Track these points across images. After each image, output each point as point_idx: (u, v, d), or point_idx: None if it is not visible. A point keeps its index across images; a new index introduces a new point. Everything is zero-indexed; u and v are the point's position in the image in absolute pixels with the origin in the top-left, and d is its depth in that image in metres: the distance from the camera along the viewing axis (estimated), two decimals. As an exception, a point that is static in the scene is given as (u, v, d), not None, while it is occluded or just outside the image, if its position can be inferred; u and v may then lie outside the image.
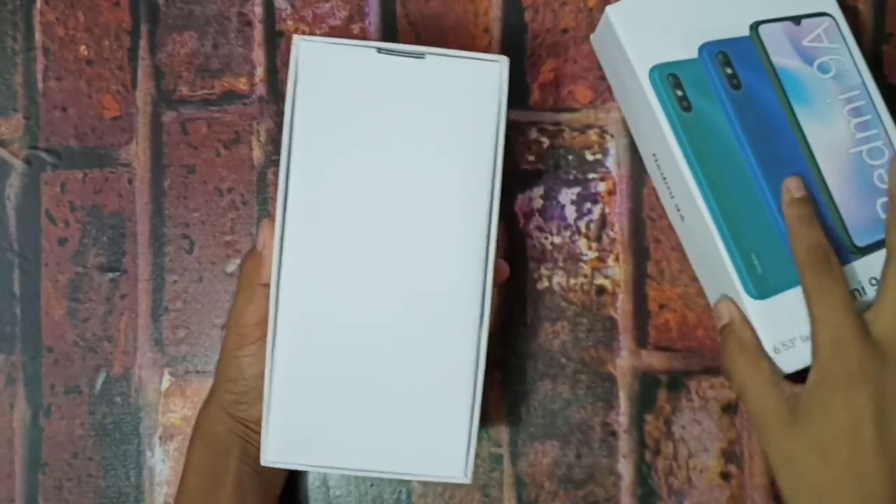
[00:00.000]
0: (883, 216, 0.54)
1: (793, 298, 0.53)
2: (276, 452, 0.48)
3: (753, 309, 0.53)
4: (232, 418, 0.56)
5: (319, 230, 0.48)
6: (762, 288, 0.53)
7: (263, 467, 0.49)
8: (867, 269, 0.54)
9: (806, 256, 0.52)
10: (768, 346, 0.53)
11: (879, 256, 0.53)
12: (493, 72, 0.48)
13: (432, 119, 0.49)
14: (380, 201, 0.48)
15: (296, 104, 0.48)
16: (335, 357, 0.49)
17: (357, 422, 0.49)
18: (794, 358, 0.53)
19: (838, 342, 0.50)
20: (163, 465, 0.62)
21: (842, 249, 0.54)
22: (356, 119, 0.49)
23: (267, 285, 0.49)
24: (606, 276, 0.62)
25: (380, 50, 0.48)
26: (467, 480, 0.48)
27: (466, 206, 0.48)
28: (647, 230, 0.62)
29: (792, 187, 0.53)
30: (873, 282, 0.54)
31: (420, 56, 0.48)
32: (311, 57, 0.48)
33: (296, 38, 0.48)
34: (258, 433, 0.54)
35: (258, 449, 0.51)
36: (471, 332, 0.48)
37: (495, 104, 0.49)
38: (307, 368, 0.48)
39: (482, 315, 0.48)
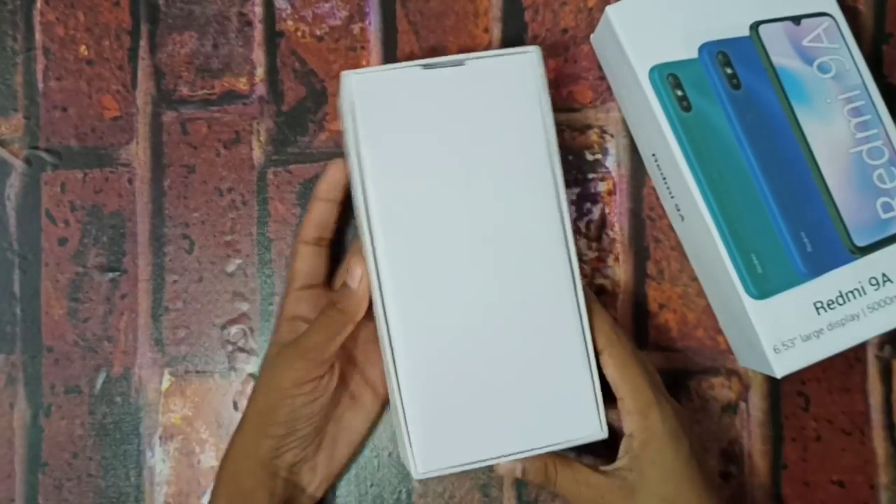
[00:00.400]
0: (883, 216, 0.55)
1: (792, 299, 0.53)
2: (425, 463, 0.51)
3: (753, 309, 0.53)
4: (264, 470, 0.55)
5: (410, 251, 0.51)
6: (762, 288, 0.53)
7: None
8: (867, 269, 0.54)
9: (608, 337, 0.53)
10: (768, 346, 0.53)
11: (879, 256, 0.54)
12: (528, 63, 0.52)
13: (484, 119, 0.52)
14: (457, 207, 0.51)
15: (359, 137, 0.51)
16: (453, 359, 0.51)
17: (489, 413, 0.51)
18: (793, 358, 0.53)
19: (652, 405, 0.53)
20: (163, 464, 0.62)
21: (842, 250, 0.54)
22: (418, 138, 0.51)
23: (345, 314, 0.53)
24: (606, 276, 0.62)
25: (425, 66, 0.51)
26: (604, 435, 0.52)
27: (534, 190, 0.52)
28: (646, 230, 0.62)
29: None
30: (873, 282, 0.54)
31: (460, 63, 0.52)
32: (363, 89, 0.51)
33: (345, 74, 0.51)
34: (287, 480, 0.56)
35: (284, 497, 0.56)
36: (567, 300, 0.52)
37: (535, 91, 0.52)
38: (430, 376, 0.51)
39: (574, 282, 0.52)
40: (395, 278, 0.51)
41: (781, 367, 0.53)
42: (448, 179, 0.51)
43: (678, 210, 0.58)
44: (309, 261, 0.59)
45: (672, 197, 0.58)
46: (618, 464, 0.54)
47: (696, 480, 0.53)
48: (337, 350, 0.54)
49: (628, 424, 0.53)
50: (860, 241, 0.54)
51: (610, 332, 0.53)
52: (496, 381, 0.51)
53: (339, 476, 0.61)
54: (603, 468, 0.54)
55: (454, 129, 0.51)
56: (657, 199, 0.62)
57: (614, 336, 0.53)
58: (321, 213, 0.58)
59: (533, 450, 0.51)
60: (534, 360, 0.52)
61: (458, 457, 0.51)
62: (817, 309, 0.53)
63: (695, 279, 0.61)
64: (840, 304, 0.53)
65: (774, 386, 0.61)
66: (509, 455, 0.51)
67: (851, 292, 0.53)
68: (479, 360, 0.51)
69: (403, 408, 0.51)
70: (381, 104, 0.51)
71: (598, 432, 0.52)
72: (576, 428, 0.52)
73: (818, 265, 0.54)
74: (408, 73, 0.51)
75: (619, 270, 0.62)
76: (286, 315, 0.59)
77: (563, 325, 0.52)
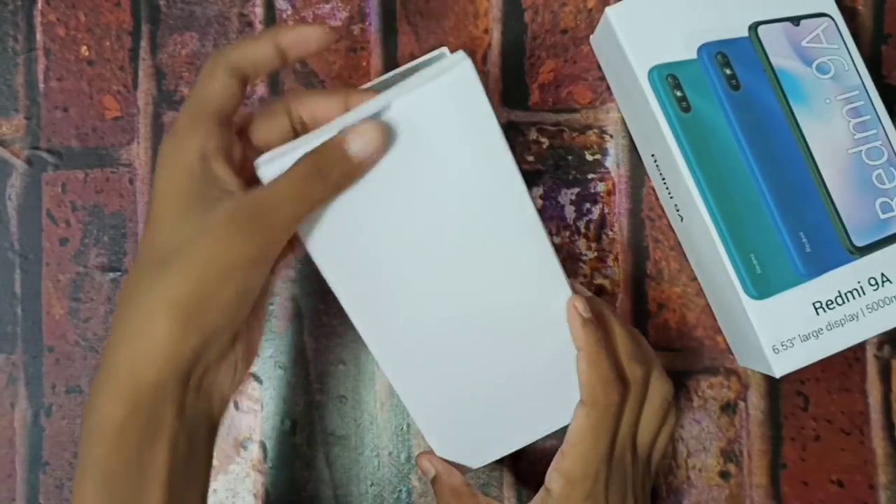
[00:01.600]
0: (882, 216, 0.55)
1: (791, 299, 0.53)
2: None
3: (752, 309, 0.53)
4: (176, 380, 0.42)
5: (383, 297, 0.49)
6: (761, 288, 0.53)
7: (202, 441, 0.44)
8: (866, 269, 0.54)
9: (602, 391, 0.49)
10: (767, 346, 0.53)
11: (878, 257, 0.54)
12: (462, 77, 0.44)
13: (435, 147, 0.45)
14: (428, 240, 0.47)
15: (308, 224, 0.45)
16: (444, 371, 0.51)
17: (491, 414, 0.53)
18: (792, 358, 0.53)
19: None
20: (163, 464, 0.62)
21: (841, 250, 0.54)
22: (372, 198, 0.46)
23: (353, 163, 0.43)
24: (606, 276, 0.62)
25: (341, 132, 0.43)
26: None
27: (502, 203, 0.47)
28: (646, 230, 0.62)
29: (580, 308, 0.50)
30: (872, 282, 0.54)
31: (387, 108, 0.43)
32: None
33: (257, 162, 0.43)
34: (202, 391, 0.44)
35: (195, 414, 0.44)
36: (554, 282, 0.50)
37: (481, 101, 0.44)
38: (426, 392, 0.52)
39: (556, 265, 0.49)
40: (369, 317, 0.49)
41: (780, 367, 0.53)
42: (412, 221, 0.47)
43: (677, 210, 0.58)
44: (230, 90, 0.45)
45: (671, 197, 0.58)
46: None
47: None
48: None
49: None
50: (859, 242, 0.54)
51: (586, 332, 0.49)
52: (492, 383, 0.52)
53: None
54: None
55: (405, 169, 0.45)
56: (657, 199, 0.62)
57: (591, 337, 0.50)
58: (265, 53, 0.46)
59: (544, 433, 0.54)
60: (524, 354, 0.51)
61: (476, 458, 0.55)
62: (816, 309, 0.54)
63: (694, 279, 0.61)
64: (839, 305, 0.54)
65: (773, 386, 0.61)
66: (524, 443, 0.54)
67: (850, 292, 0.54)
68: (472, 367, 0.51)
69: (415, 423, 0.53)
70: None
71: None
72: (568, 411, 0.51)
73: (817, 265, 0.54)
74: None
75: (619, 270, 0.62)
76: (198, 147, 0.43)
77: (545, 314, 0.50)
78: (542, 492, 0.51)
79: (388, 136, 0.43)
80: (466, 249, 0.48)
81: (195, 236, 0.41)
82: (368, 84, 0.56)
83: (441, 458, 0.54)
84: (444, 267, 0.48)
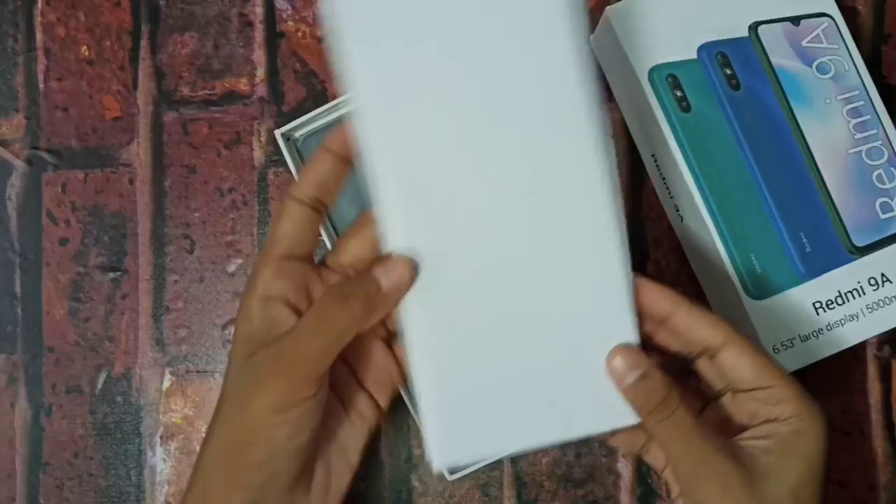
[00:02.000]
0: (882, 216, 0.55)
1: (791, 299, 0.53)
2: (442, 456, 0.45)
3: (752, 309, 0.53)
4: None
5: (425, 202, 0.44)
6: (761, 288, 0.53)
7: None
8: (866, 269, 0.54)
9: (725, 331, 0.46)
10: (767, 346, 0.53)
11: (878, 257, 0.54)
12: None
13: (505, 37, 0.43)
14: (480, 152, 0.44)
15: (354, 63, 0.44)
16: (476, 336, 0.44)
17: (516, 397, 0.45)
18: (793, 358, 0.53)
19: (807, 396, 0.46)
20: (164, 464, 0.62)
21: (841, 250, 0.54)
22: (425, 58, 0.43)
23: (367, 305, 0.42)
24: (606, 276, 0.62)
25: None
26: (636, 420, 0.45)
27: (570, 135, 0.44)
28: (647, 230, 0.62)
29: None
30: (872, 282, 0.54)
31: None
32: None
33: None
34: None
35: None
36: (612, 269, 0.45)
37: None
38: (449, 356, 0.44)
39: (621, 249, 0.45)
40: (407, 232, 0.44)
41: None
42: (467, 116, 0.43)
43: (678, 210, 0.58)
44: (300, 224, 0.46)
45: (671, 197, 0.58)
46: (752, 439, 0.46)
47: (821, 495, 0.46)
48: (327, 353, 0.42)
49: (783, 410, 0.45)
50: (859, 242, 0.54)
51: (725, 326, 0.46)
52: (523, 361, 0.45)
53: None
54: (729, 439, 0.46)
55: (469, 47, 0.43)
56: (657, 199, 0.62)
57: (731, 329, 0.46)
58: (326, 168, 0.46)
59: (560, 439, 0.45)
60: (567, 336, 0.45)
61: (481, 448, 0.46)
62: (816, 309, 0.54)
63: (695, 279, 0.61)
64: (839, 305, 0.54)
65: (774, 386, 0.61)
66: (535, 445, 0.46)
67: (850, 292, 0.54)
68: (506, 338, 0.44)
69: (419, 393, 0.44)
70: (379, 16, 0.43)
71: (633, 417, 0.45)
72: (610, 416, 0.45)
73: (817, 265, 0.54)
74: None
75: (619, 270, 0.62)
76: (259, 292, 0.45)
77: (603, 297, 0.45)
78: None
79: (416, 268, 0.43)
80: (520, 186, 0.44)
81: (240, 389, 0.43)
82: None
83: (643, 353, 0.45)
84: (497, 194, 0.44)
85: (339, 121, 0.45)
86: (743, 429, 0.47)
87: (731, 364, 0.46)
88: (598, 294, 0.45)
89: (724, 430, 0.47)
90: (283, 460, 0.42)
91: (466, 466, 0.49)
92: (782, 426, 0.45)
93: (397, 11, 0.43)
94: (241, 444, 0.41)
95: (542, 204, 0.44)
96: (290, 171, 0.60)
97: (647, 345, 0.47)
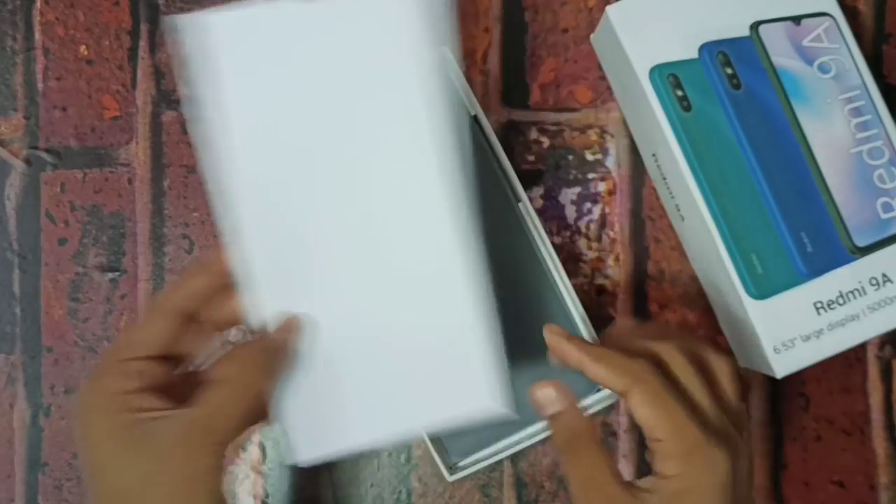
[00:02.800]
0: (883, 216, 0.55)
1: (792, 299, 0.53)
2: (305, 450, 0.47)
3: (753, 309, 0.53)
4: None
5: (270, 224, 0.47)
6: (762, 288, 0.53)
7: None
8: (867, 269, 0.54)
9: (631, 374, 0.46)
10: (768, 346, 0.53)
11: (879, 256, 0.54)
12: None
13: (352, 67, 0.46)
14: (324, 173, 0.47)
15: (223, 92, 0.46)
16: (329, 341, 0.47)
17: (371, 393, 0.47)
18: (794, 358, 0.53)
19: (700, 450, 0.45)
20: (163, 464, 0.62)
21: (842, 250, 0.54)
22: (278, 89, 0.46)
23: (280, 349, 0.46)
24: (606, 276, 0.62)
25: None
26: (500, 407, 0.46)
27: (410, 152, 0.46)
28: (647, 230, 0.62)
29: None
30: (874, 282, 0.54)
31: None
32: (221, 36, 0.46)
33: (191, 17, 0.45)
34: None
35: None
36: (452, 264, 0.46)
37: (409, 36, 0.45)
38: (302, 362, 0.47)
39: (461, 245, 0.46)
40: (254, 260, 0.47)
41: (782, 368, 0.53)
42: (315, 141, 0.46)
43: (678, 210, 0.58)
44: (169, 331, 0.47)
45: (672, 197, 0.58)
46: (643, 492, 0.46)
47: None
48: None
49: (668, 467, 0.45)
50: (860, 242, 0.54)
51: (634, 372, 0.46)
52: (376, 359, 0.47)
53: None
54: (630, 481, 0.46)
55: (317, 78, 0.46)
56: (657, 199, 0.62)
57: (638, 371, 0.46)
58: (200, 284, 0.48)
59: (420, 429, 0.50)
60: (416, 332, 0.47)
61: (341, 442, 0.48)
62: (817, 309, 0.53)
63: (695, 279, 0.61)
64: (840, 305, 0.54)
65: (775, 386, 0.61)
66: (398, 436, 0.48)
67: (852, 292, 0.54)
68: (356, 338, 0.47)
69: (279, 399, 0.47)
70: (243, 52, 0.46)
71: (493, 403, 0.46)
72: (466, 402, 0.46)
73: (818, 265, 0.54)
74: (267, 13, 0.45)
75: (620, 270, 0.62)
76: (111, 389, 0.45)
77: (447, 295, 0.47)
78: None
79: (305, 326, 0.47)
80: (365, 201, 0.47)
81: (143, 476, 0.42)
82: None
83: (568, 390, 0.49)
84: (341, 210, 0.47)
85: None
86: None
87: (634, 412, 0.46)
88: (441, 298, 0.47)
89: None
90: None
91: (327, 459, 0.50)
92: (666, 484, 0.45)
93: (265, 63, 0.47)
94: None
95: (382, 218, 0.47)
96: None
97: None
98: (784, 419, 0.61)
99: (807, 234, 0.54)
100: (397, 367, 0.47)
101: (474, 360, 0.46)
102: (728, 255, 0.53)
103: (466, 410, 0.46)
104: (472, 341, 0.46)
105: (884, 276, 0.54)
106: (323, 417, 0.47)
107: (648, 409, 0.45)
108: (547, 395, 0.49)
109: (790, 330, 0.53)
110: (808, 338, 0.53)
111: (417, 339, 0.47)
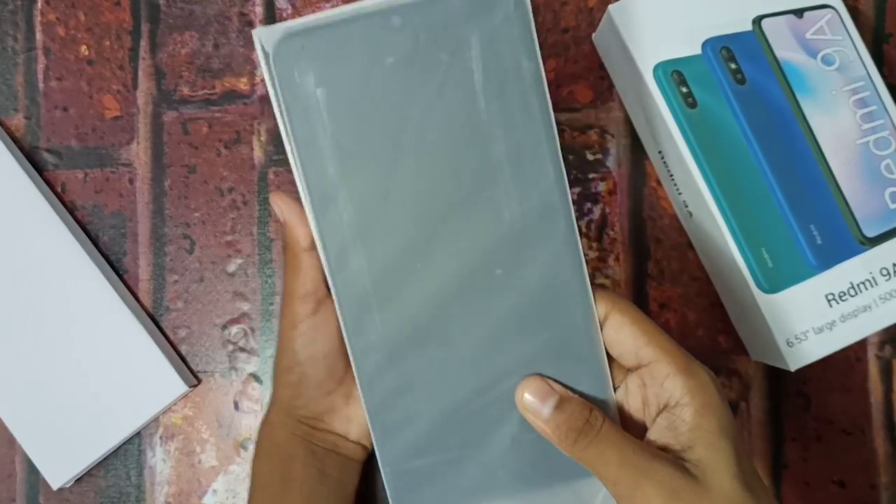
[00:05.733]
0: (892, 206, 0.55)
1: (803, 292, 0.53)
2: (58, 477, 0.61)
3: (765, 303, 0.53)
4: (293, 419, 0.51)
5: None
6: (773, 282, 0.53)
7: (333, 467, 0.52)
8: (878, 259, 0.54)
9: (609, 298, 0.44)
10: (781, 340, 0.53)
11: (889, 247, 0.54)
12: None
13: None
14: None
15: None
16: (31, 384, 0.61)
17: (87, 414, 0.60)
18: (807, 351, 0.53)
19: (694, 363, 0.43)
20: (163, 464, 0.62)
21: (851, 241, 0.54)
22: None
23: (309, 250, 0.47)
24: (607, 276, 0.62)
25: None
26: (183, 387, 0.61)
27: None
28: (647, 230, 0.62)
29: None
30: (884, 272, 0.54)
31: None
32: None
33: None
34: (322, 430, 0.52)
35: (324, 449, 0.52)
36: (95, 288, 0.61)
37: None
38: (22, 404, 0.61)
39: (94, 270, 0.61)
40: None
41: (795, 361, 0.53)
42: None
43: (686, 207, 0.58)
44: (317, 270, 0.49)
45: (680, 194, 0.58)
46: (668, 442, 0.42)
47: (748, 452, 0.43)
48: (312, 285, 0.48)
49: (668, 389, 0.42)
50: (870, 232, 0.54)
51: (607, 294, 0.44)
52: (78, 387, 0.60)
53: None
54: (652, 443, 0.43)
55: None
56: (658, 198, 0.62)
57: (614, 296, 0.44)
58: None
59: (135, 427, 0.60)
60: (104, 351, 0.60)
61: (81, 461, 0.60)
62: (829, 301, 0.54)
63: (695, 279, 0.61)
64: (851, 296, 0.54)
65: (775, 385, 0.61)
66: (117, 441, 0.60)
67: (862, 283, 0.54)
68: (53, 377, 0.60)
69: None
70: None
71: (180, 385, 0.60)
72: (160, 393, 0.60)
73: (828, 257, 0.54)
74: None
75: (620, 270, 0.62)
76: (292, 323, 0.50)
77: (107, 313, 0.60)
78: None
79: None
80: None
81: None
82: None
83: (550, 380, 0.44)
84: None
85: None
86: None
87: (615, 337, 0.44)
88: (105, 318, 0.62)
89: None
90: (305, 363, 0.50)
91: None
92: (681, 411, 0.42)
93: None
94: (280, 357, 0.51)
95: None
96: (290, 172, 0.60)
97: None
98: (784, 419, 0.61)
99: (816, 227, 0.54)
100: (100, 382, 0.60)
101: (149, 359, 0.60)
102: (738, 250, 0.53)
103: (168, 400, 0.60)
104: (143, 342, 0.60)
105: (894, 265, 0.54)
106: (60, 441, 0.60)
107: (632, 329, 0.43)
108: (534, 395, 0.44)
109: (802, 323, 0.53)
110: (820, 330, 0.53)
111: (107, 356, 0.60)
